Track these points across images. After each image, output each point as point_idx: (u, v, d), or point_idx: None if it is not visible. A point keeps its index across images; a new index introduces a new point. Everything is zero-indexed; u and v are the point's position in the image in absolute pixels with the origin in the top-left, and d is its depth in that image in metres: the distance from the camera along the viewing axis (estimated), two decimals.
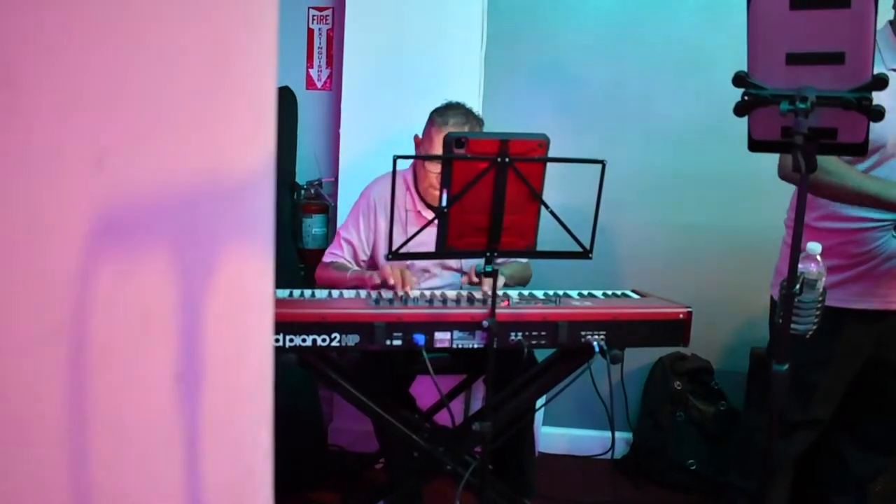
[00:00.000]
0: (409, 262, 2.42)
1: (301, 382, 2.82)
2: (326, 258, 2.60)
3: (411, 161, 2.58)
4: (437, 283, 2.54)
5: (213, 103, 0.57)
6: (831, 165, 1.85)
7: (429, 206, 2.50)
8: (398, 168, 1.78)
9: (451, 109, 2.44)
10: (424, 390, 2.57)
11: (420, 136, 2.53)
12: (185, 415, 0.58)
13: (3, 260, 0.42)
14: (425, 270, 2.55)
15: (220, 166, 0.57)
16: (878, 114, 1.38)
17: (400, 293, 2.14)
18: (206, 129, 0.56)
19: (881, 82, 1.36)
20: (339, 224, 3.04)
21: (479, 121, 2.48)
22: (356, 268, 2.51)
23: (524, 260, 2.59)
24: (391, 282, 2.19)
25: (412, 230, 2.44)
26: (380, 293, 2.15)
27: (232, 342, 0.62)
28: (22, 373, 0.43)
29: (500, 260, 2.56)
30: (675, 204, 3.05)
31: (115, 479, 0.52)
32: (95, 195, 0.45)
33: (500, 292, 2.09)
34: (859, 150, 1.47)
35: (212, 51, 0.56)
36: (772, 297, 2.20)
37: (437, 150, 2.32)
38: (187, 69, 0.53)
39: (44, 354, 0.44)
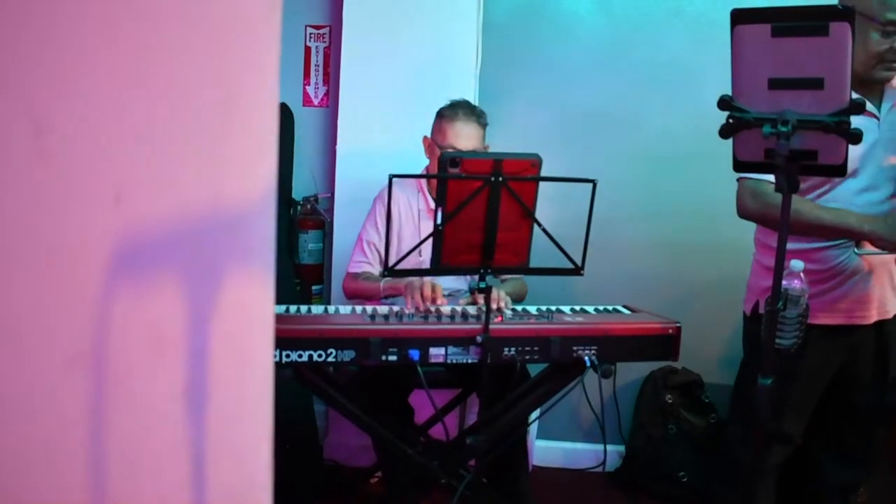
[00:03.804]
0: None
1: (296, 398, 2.84)
2: (353, 269, 2.59)
3: (426, 165, 2.62)
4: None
5: (218, 139, 0.61)
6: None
7: None
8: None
9: (457, 105, 2.54)
10: (420, 404, 2.60)
11: (429, 136, 2.59)
12: (192, 428, 0.62)
13: (32, 288, 0.46)
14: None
15: (225, 198, 0.62)
16: (855, 137, 1.43)
17: (432, 308, 2.18)
18: (211, 164, 0.60)
19: (858, 107, 1.42)
20: (335, 239, 3.10)
21: (483, 114, 2.56)
22: (388, 277, 2.49)
23: (519, 276, 2.63)
24: (422, 306, 2.20)
25: (425, 227, 2.48)
26: (375, 309, 2.18)
27: (235, 361, 0.66)
28: (50, 391, 0.48)
29: (502, 277, 2.62)
30: (666, 221, 3.10)
31: (130, 488, 0.56)
32: (113, 229, 0.49)
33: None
34: (839, 171, 1.52)
35: (217, 92, 0.60)
36: (744, 313, 2.24)
37: (449, 142, 2.46)
38: (195, 110, 0.57)
39: (69, 374, 0.48)
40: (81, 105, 0.46)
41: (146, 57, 0.53)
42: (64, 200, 0.46)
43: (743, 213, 2.07)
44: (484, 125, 2.54)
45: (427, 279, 2.25)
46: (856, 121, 1.46)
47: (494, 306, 2.22)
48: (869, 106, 1.96)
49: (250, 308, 0.67)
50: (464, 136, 2.47)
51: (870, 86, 1.99)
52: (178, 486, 0.61)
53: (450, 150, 2.44)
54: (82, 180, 0.47)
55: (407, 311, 2.15)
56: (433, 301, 2.21)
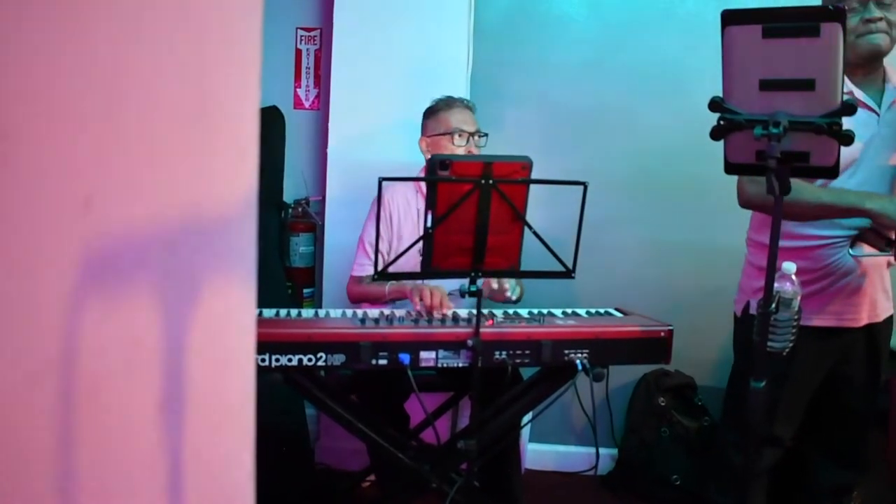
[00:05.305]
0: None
1: (287, 402, 2.82)
2: (357, 272, 2.58)
3: (423, 163, 2.60)
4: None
5: (195, 143, 0.59)
6: None
7: None
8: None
9: (445, 97, 2.60)
10: (413, 408, 2.58)
11: (425, 136, 2.59)
12: (170, 440, 0.60)
13: None
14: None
15: (203, 203, 0.60)
16: (847, 138, 1.42)
17: (437, 315, 2.17)
18: (188, 169, 0.58)
19: (850, 108, 1.41)
20: (326, 242, 3.08)
21: (469, 101, 2.65)
22: (392, 280, 2.47)
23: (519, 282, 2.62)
24: (428, 303, 2.22)
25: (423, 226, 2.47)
26: (366, 313, 2.17)
27: (215, 370, 0.65)
28: (17, 405, 0.46)
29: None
30: (658, 223, 3.09)
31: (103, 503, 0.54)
32: (83, 236, 0.48)
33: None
34: (831, 172, 1.51)
35: (195, 93, 0.58)
36: (735, 315, 2.23)
37: (457, 126, 2.52)
38: (170, 114, 0.56)
39: (36, 387, 0.47)
40: (46, 107, 0.44)
41: (121, 57, 0.51)
42: (28, 206, 0.44)
43: (744, 201, 2.02)
44: (474, 109, 2.62)
45: (432, 286, 2.25)
46: (856, 116, 1.45)
47: (495, 286, 2.29)
48: (870, 101, 1.96)
49: (231, 315, 0.66)
50: (466, 121, 2.54)
51: (871, 79, 1.98)
52: (154, 501, 0.59)
53: (463, 132, 2.50)
54: (49, 186, 0.45)
55: (413, 313, 2.16)
56: (440, 308, 2.21)
